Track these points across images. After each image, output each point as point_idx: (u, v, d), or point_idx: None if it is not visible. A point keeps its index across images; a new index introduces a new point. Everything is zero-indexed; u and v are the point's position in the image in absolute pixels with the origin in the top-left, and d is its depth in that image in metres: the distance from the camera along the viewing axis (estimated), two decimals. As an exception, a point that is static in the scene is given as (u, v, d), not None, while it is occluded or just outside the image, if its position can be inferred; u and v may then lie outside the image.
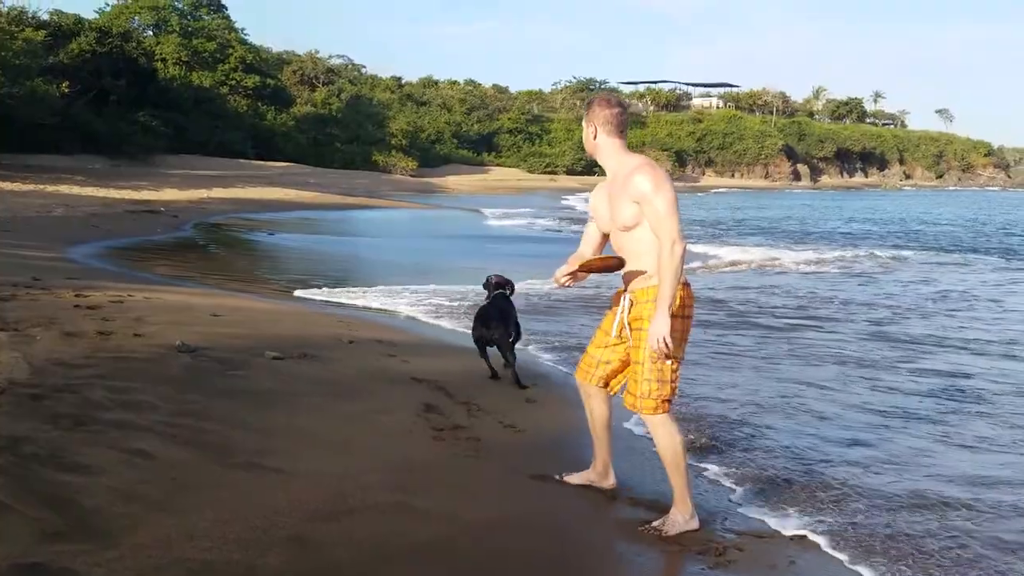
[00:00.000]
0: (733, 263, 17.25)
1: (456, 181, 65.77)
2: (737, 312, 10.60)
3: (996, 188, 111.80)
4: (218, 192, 29.98)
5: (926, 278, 15.01)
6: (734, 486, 4.49)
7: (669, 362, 3.54)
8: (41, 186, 24.28)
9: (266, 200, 30.30)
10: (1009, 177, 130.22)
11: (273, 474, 3.81)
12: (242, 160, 48.98)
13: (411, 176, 64.85)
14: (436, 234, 18.68)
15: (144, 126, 43.85)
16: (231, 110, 57.86)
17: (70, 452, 3.64)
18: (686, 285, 3.60)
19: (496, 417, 5.27)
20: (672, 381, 3.60)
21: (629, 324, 3.67)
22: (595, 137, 3.73)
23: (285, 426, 4.58)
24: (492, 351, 6.24)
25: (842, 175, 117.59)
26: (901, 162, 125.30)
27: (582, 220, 33.42)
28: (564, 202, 47.10)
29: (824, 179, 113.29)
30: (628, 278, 3.70)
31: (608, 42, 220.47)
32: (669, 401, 3.61)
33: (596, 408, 3.99)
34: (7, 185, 23.47)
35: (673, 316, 3.45)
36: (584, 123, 3.80)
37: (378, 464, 4.18)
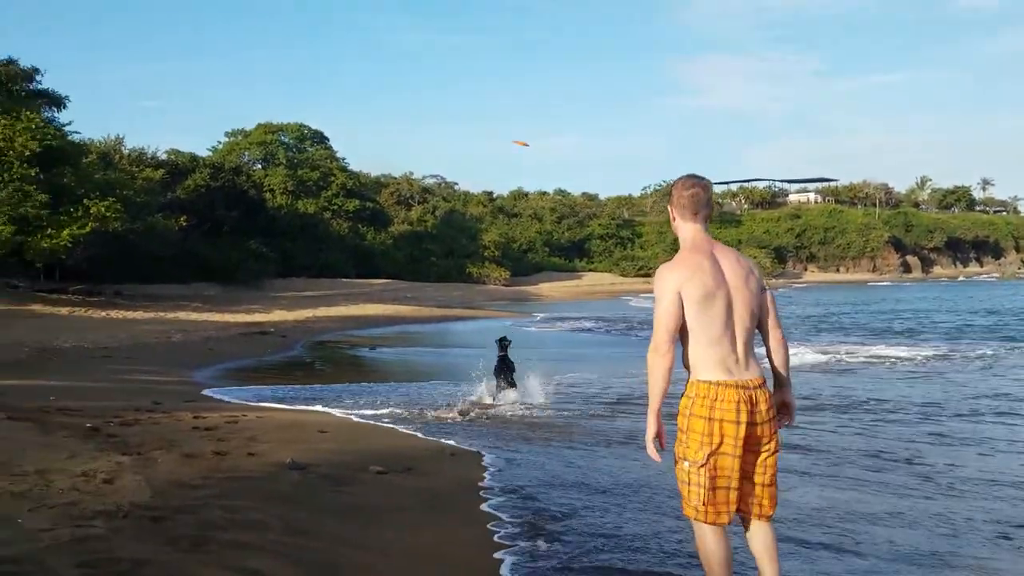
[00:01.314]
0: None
1: (549, 288, 66.47)
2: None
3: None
4: (323, 311, 31.16)
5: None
6: None
7: (687, 464, 3.35)
8: (161, 313, 25.81)
9: (367, 316, 31.27)
10: None
11: (380, 592, 3.82)
12: (344, 279, 50.93)
13: (504, 286, 65.98)
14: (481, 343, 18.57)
15: (255, 253, 46.31)
16: (334, 233, 60.71)
17: (188, 574, 3.75)
18: (712, 384, 3.32)
19: (590, 531, 5.12)
20: (689, 483, 3.35)
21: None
22: (673, 220, 3.63)
23: (389, 542, 4.62)
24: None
25: (955, 265, 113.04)
26: (1017, 249, 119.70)
27: (627, 320, 32.02)
28: (632, 303, 47.22)
29: (936, 269, 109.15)
30: None
31: (695, 145, 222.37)
32: (701, 510, 3.33)
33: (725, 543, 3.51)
34: (130, 314, 25.04)
35: (686, 415, 3.35)
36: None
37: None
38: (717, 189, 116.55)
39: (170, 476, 5.48)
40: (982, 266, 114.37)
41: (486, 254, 71.06)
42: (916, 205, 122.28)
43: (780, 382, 3.51)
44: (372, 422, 9.13)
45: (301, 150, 69.06)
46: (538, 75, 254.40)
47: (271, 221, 53.76)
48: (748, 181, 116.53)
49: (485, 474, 6.52)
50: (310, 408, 10.07)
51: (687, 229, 3.54)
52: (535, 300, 56.07)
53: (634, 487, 6.21)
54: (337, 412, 9.74)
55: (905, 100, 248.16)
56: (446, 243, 71.27)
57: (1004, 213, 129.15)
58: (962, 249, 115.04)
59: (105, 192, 31.56)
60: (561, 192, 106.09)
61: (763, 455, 3.38)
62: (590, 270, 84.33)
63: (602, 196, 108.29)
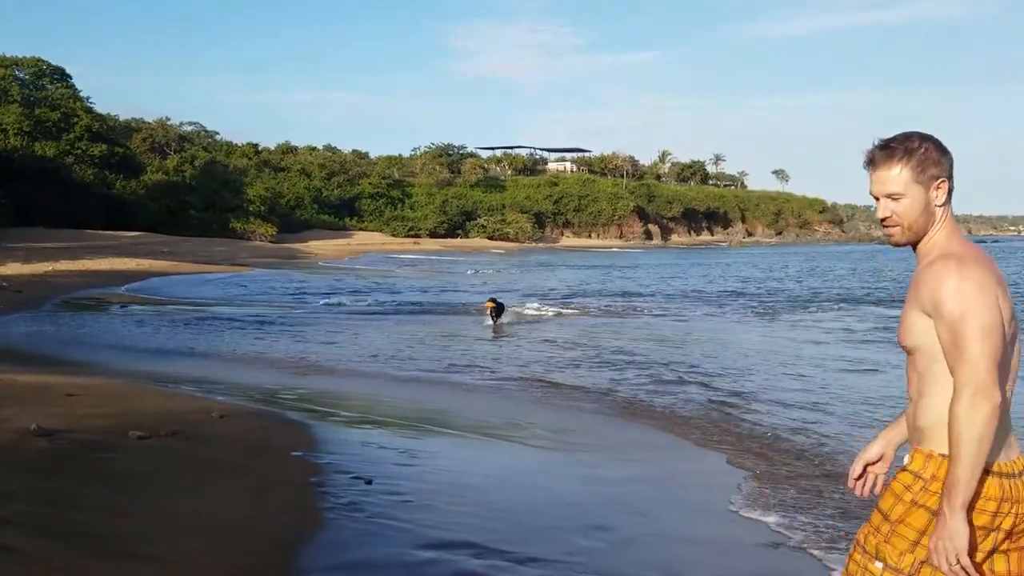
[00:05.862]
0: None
1: (319, 246, 64.81)
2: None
3: (832, 242, 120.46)
4: (65, 264, 28.31)
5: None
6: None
7: (879, 564, 2.13)
8: None
9: (117, 271, 28.85)
10: (843, 232, 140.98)
11: (148, 563, 3.64)
12: (90, 231, 46.58)
13: (271, 243, 63.51)
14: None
15: (-17, 198, 41.17)
16: (76, 180, 55.21)
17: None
18: (1000, 476, 2.06)
19: (391, 486, 5.23)
20: None
21: (890, 485, 2.19)
22: (938, 200, 2.14)
23: (158, 510, 4.38)
24: None
25: (690, 233, 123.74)
26: (743, 220, 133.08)
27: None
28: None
29: (674, 237, 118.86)
30: (908, 422, 2.25)
31: (464, 110, 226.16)
32: None
33: None
34: None
35: (907, 502, 2.11)
36: (913, 178, 2.12)
37: (264, 545, 4.06)
38: (483, 155, 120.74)
39: None
40: (713, 235, 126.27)
41: (251, 208, 67.74)
42: (658, 177, 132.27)
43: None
44: (129, 383, 8.57)
45: (39, 87, 61.86)
46: (307, 29, 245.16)
47: (4, 164, 47.92)
48: (511, 148, 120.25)
49: (258, 435, 6.38)
50: (56, 369, 9.26)
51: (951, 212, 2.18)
52: (304, 258, 54.44)
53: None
54: (87, 374, 9.04)
55: (654, 79, 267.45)
56: (207, 195, 67.01)
57: (732, 187, 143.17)
58: (696, 219, 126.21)
59: None
60: (331, 148, 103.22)
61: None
62: (360, 229, 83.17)
63: (372, 155, 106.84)
